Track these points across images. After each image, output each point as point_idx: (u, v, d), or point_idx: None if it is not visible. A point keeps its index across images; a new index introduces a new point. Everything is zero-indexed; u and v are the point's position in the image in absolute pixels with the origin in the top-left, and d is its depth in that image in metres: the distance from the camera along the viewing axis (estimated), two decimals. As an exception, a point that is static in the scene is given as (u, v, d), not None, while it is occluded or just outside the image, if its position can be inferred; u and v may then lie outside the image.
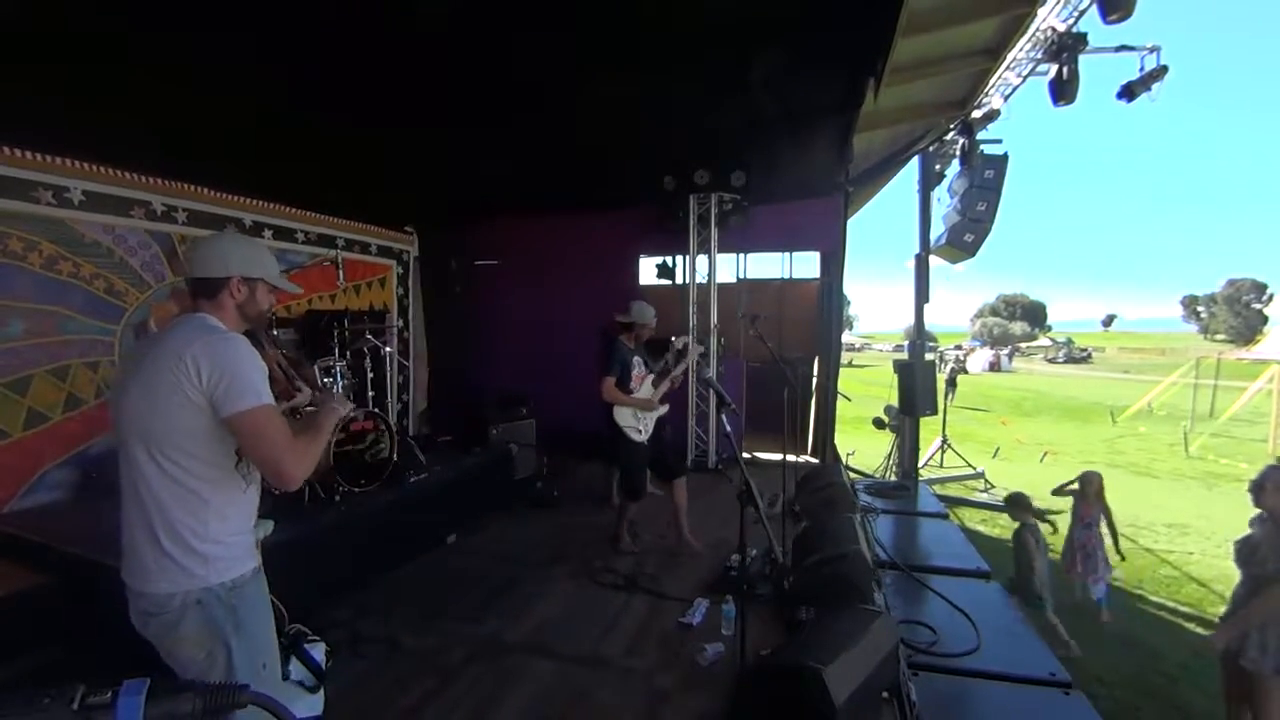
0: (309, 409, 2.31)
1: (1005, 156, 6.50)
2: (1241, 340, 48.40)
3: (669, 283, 6.72)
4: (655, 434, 4.01)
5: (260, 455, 1.38)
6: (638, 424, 3.89)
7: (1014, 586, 4.51)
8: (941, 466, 9.15)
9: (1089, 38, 5.07)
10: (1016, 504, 4.78)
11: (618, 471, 4.14)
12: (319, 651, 2.52)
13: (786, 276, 7.27)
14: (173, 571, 1.37)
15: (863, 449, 8.89)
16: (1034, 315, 72.20)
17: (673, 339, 4.40)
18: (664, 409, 4.04)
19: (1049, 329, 72.32)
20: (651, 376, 4.03)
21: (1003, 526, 7.13)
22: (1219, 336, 59.64)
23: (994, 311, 72.14)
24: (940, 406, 7.41)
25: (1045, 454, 11.48)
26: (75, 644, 2.44)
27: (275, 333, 4.15)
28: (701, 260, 6.20)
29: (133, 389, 1.39)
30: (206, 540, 1.39)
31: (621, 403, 3.81)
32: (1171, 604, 5.18)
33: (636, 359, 3.95)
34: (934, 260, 7.09)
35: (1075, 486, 4.89)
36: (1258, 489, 2.82)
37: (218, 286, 1.48)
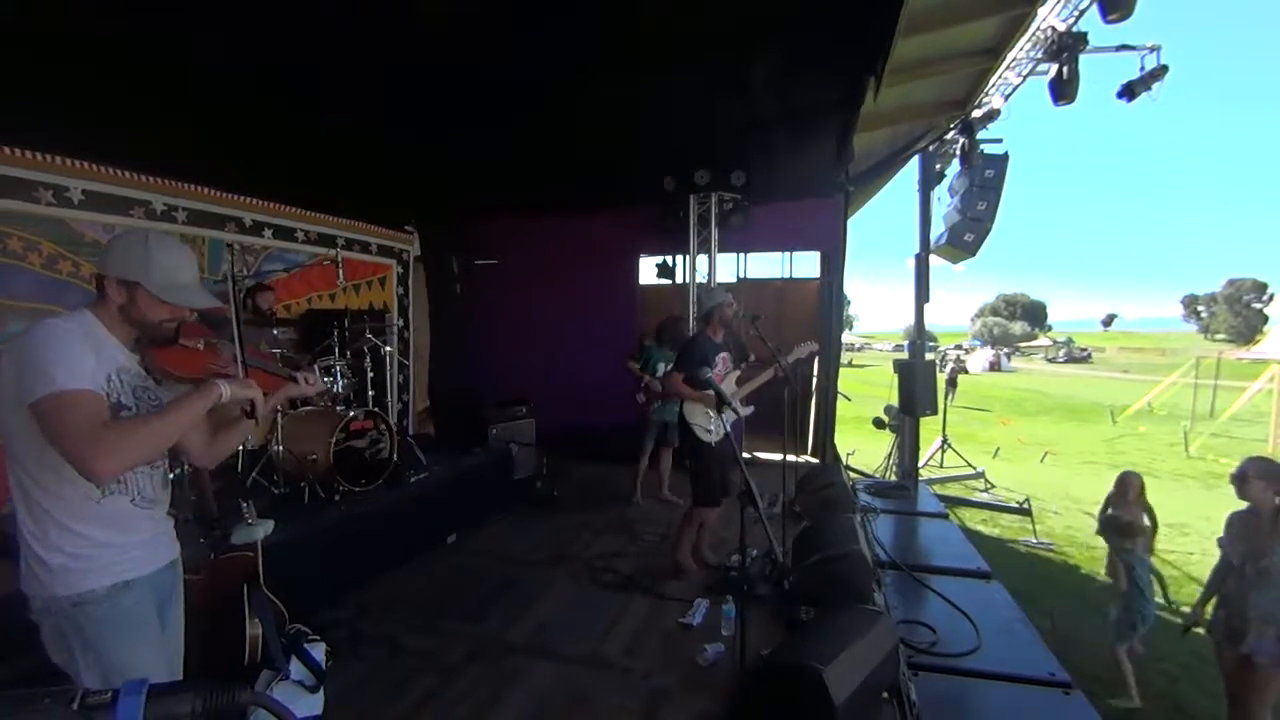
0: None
1: (1005, 156, 6.50)
2: (1242, 340, 48.42)
3: (669, 282, 6.73)
4: (727, 444, 3.53)
5: (59, 447, 1.25)
6: (708, 423, 3.57)
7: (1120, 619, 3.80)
8: (942, 466, 9.15)
9: (1089, 37, 5.06)
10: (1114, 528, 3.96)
11: (690, 475, 3.74)
12: (319, 651, 2.53)
13: (786, 276, 7.28)
14: (28, 575, 1.35)
15: (863, 449, 8.89)
16: (1034, 315, 72.22)
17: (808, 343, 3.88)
18: (748, 410, 3.70)
19: (1049, 329, 72.34)
20: (736, 373, 3.72)
21: (1003, 526, 7.15)
22: (1219, 336, 59.63)
23: (994, 311, 72.15)
24: (940, 406, 7.40)
25: (1045, 454, 11.48)
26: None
27: (276, 332, 4.14)
28: (701, 260, 6.20)
29: None
30: (49, 548, 1.33)
31: (688, 398, 3.55)
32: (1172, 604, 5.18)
33: (722, 355, 3.61)
34: (934, 260, 7.09)
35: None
36: (1240, 479, 2.84)
37: (100, 283, 1.42)
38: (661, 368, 5.04)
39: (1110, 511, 4.02)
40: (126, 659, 1.37)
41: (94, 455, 1.22)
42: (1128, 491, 3.97)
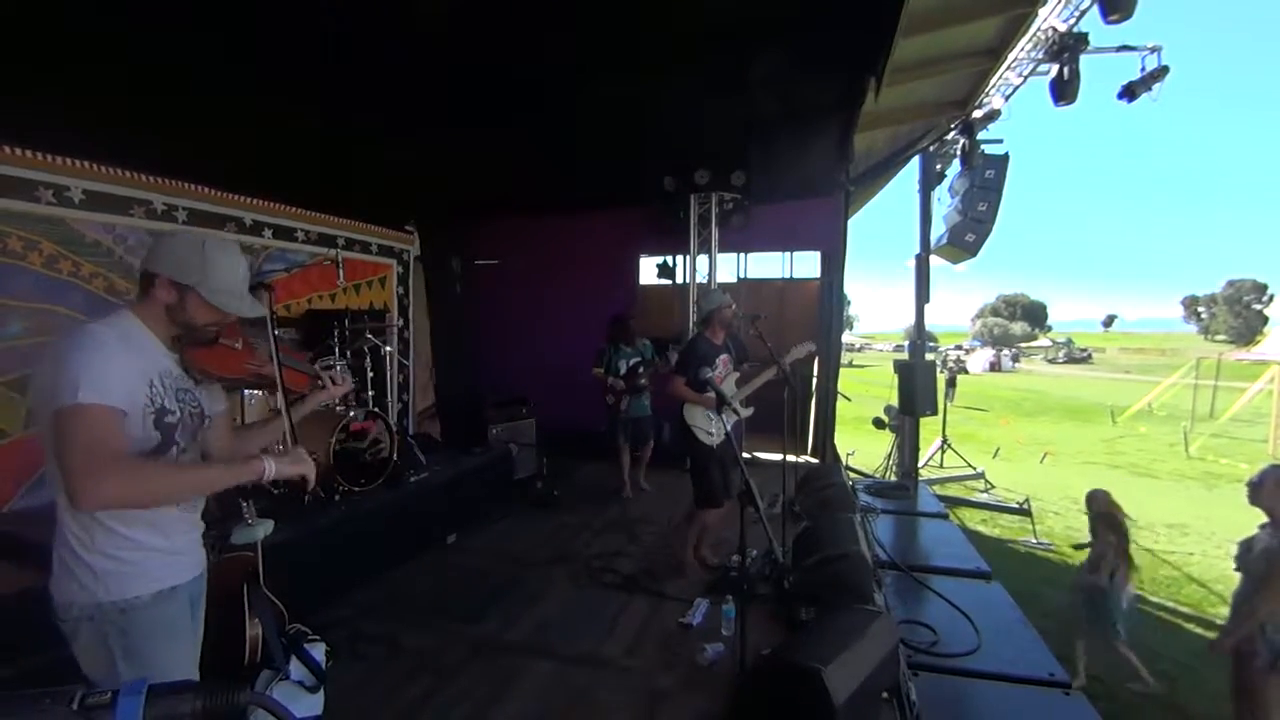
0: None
1: (1006, 156, 6.50)
2: (1242, 341, 48.34)
3: (669, 282, 6.73)
4: (728, 445, 3.41)
5: (60, 461, 1.19)
6: (708, 425, 3.54)
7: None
8: (941, 467, 9.14)
9: (1090, 38, 5.07)
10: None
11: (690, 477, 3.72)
12: (319, 651, 2.53)
13: (786, 276, 7.27)
14: (66, 580, 1.31)
15: (863, 449, 8.88)
16: (1034, 315, 72.15)
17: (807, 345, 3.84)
18: (748, 412, 3.68)
19: (1049, 329, 72.27)
20: (736, 375, 3.68)
21: (1002, 527, 7.14)
22: (1219, 337, 59.57)
23: (994, 311, 72.07)
24: (940, 406, 7.40)
25: (1045, 454, 11.47)
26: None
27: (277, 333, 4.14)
28: (702, 260, 6.20)
29: None
30: (93, 551, 1.31)
31: (689, 400, 3.52)
32: (1171, 604, 5.18)
33: (722, 357, 3.57)
34: (935, 260, 7.09)
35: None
36: (1255, 487, 2.83)
37: (149, 283, 1.39)
38: (623, 365, 5.13)
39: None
40: (169, 666, 1.36)
41: (88, 482, 1.17)
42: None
